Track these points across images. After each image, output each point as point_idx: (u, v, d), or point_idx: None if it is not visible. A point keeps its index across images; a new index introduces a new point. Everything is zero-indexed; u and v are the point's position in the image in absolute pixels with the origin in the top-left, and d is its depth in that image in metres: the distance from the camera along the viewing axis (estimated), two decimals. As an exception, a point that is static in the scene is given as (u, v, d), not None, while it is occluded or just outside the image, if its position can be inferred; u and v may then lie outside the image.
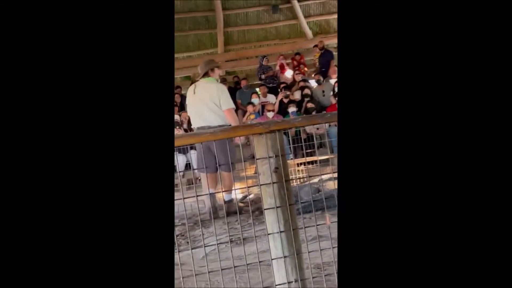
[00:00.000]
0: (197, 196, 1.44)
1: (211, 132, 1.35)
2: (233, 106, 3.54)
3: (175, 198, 1.41)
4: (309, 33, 9.22)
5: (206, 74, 3.66)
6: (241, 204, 3.81)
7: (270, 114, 5.85)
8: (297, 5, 8.97)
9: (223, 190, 3.53)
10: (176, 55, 9.07)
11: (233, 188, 3.59)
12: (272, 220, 1.35)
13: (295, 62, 7.96)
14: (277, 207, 1.34)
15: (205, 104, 3.53)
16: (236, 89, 7.54)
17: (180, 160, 5.07)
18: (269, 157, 1.34)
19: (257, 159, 1.34)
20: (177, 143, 1.39)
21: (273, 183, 1.34)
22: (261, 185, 1.35)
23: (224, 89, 3.60)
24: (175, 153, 4.68)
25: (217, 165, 3.47)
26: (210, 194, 3.34)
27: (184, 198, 1.35)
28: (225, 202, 3.45)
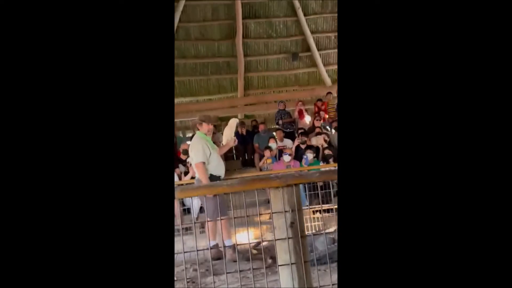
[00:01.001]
0: (210, 246, 1.41)
1: (227, 184, 1.36)
2: (202, 160, 3.57)
3: (188, 244, 1.39)
4: (328, 80, 9.36)
5: (196, 128, 3.79)
6: (254, 251, 3.70)
7: (286, 158, 5.81)
8: (316, 54, 9.19)
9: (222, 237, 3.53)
10: (197, 98, 9.24)
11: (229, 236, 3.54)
12: (286, 276, 1.32)
13: (316, 108, 8.00)
14: (291, 263, 1.31)
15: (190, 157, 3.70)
16: (254, 133, 7.63)
17: (195, 204, 5.05)
18: (285, 211, 1.33)
19: (273, 212, 1.33)
20: (194, 193, 1.40)
21: (289, 238, 1.31)
22: (276, 240, 1.33)
23: (195, 143, 3.68)
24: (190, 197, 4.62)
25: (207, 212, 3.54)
26: (210, 246, 3.28)
27: (198, 250, 1.34)
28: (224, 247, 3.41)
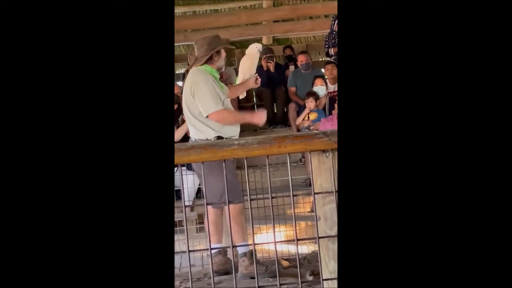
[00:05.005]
0: (212, 252, 0.91)
1: (240, 143, 0.82)
2: (219, 106, 2.22)
3: (178, 249, 0.90)
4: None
5: (209, 59, 2.31)
6: (284, 263, 2.50)
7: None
8: None
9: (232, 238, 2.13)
10: (196, 8, 5.28)
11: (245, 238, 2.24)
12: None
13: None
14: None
15: (185, 106, 2.35)
16: (286, 68, 4.71)
17: (189, 182, 3.11)
18: (336, 191, 0.80)
19: (315, 193, 0.80)
20: (187, 158, 0.88)
21: (342, 235, 0.79)
22: (320, 238, 0.81)
23: (200, 84, 2.24)
24: (183, 171, 2.88)
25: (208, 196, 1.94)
26: (211, 250, 1.65)
27: (189, 251, 0.82)
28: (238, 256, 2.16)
